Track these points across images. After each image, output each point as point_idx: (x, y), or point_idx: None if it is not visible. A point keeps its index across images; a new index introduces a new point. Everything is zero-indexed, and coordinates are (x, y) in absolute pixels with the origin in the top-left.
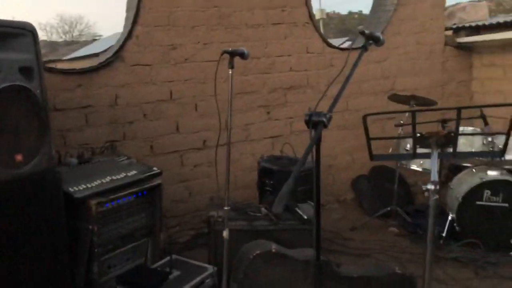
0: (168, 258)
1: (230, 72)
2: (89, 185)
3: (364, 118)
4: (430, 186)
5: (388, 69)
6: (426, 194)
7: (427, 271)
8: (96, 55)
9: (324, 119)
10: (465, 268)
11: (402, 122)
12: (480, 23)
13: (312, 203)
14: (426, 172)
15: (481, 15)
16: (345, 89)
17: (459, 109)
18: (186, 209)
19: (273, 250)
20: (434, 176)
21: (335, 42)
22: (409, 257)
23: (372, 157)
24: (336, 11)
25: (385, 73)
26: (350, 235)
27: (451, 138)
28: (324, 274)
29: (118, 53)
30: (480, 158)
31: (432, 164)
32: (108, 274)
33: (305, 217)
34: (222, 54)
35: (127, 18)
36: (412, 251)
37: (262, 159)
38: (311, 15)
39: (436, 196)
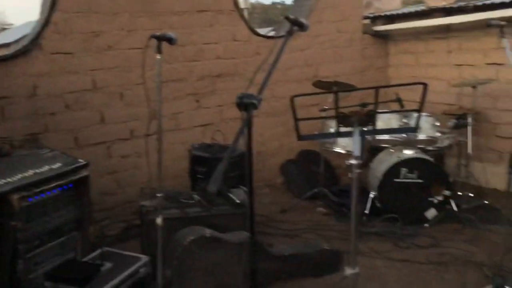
0: (99, 251)
1: (158, 57)
2: (10, 180)
3: (292, 99)
4: (353, 161)
5: (311, 56)
6: (350, 175)
7: (353, 233)
8: (7, 45)
9: (255, 101)
10: (385, 241)
11: (326, 107)
12: (394, 13)
13: (244, 188)
14: (350, 154)
15: (395, 5)
16: (272, 73)
17: (376, 89)
18: (116, 201)
19: (207, 235)
20: (356, 152)
21: (260, 32)
22: (335, 234)
23: (299, 137)
24: (259, 1)
25: (308, 60)
26: (280, 217)
27: (371, 116)
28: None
29: (35, 41)
30: (397, 139)
31: (354, 141)
32: (36, 271)
33: (238, 201)
34: (149, 39)
35: (43, 4)
36: (338, 228)
37: (193, 147)
38: (236, 3)
39: (359, 170)
